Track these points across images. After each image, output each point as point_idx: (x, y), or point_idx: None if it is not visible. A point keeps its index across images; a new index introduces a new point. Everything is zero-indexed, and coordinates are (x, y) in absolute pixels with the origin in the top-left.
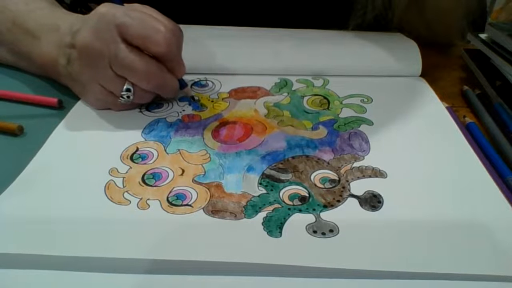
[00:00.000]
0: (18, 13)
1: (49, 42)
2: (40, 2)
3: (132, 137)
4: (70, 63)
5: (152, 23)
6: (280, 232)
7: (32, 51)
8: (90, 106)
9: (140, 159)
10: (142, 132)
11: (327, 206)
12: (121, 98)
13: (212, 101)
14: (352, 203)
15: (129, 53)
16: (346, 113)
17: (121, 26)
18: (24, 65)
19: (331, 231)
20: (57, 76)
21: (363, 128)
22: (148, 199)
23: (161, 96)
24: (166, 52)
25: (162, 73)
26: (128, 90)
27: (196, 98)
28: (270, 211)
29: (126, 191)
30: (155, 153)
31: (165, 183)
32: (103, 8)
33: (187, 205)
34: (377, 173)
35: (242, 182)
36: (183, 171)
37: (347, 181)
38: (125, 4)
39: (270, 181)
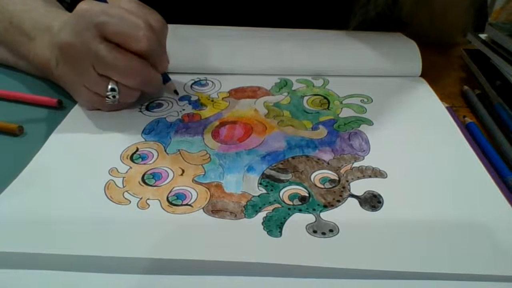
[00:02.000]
0: (15, 13)
1: (43, 42)
2: (37, 2)
3: (132, 137)
4: (58, 64)
5: (131, 20)
6: (280, 232)
7: (29, 51)
8: None
9: (140, 159)
10: (142, 132)
11: (327, 206)
12: (107, 99)
13: (212, 101)
14: (352, 203)
15: (110, 51)
16: (346, 113)
17: (100, 24)
18: (23, 65)
19: (331, 231)
20: (52, 77)
21: (363, 128)
22: (148, 199)
23: (145, 92)
24: (147, 49)
25: (146, 69)
26: (112, 89)
27: (197, 103)
28: (270, 211)
29: (126, 191)
30: (155, 153)
31: (165, 183)
32: (82, 6)
33: (187, 204)
34: (377, 173)
35: (242, 182)
36: (183, 171)
37: (347, 181)
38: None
39: (270, 181)
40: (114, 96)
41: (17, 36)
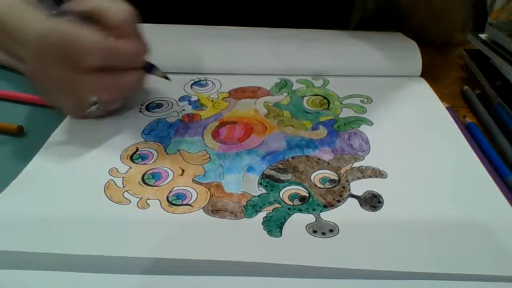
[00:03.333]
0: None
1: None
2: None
3: (132, 137)
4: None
5: (77, 38)
6: (280, 232)
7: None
8: None
9: (140, 159)
10: (142, 132)
11: (327, 206)
12: (91, 112)
13: (212, 101)
14: (352, 203)
15: (72, 74)
16: (346, 113)
17: (48, 55)
18: (23, 68)
19: (331, 231)
20: None
21: (363, 128)
22: (148, 199)
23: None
24: (101, 63)
25: (113, 81)
26: (94, 103)
27: (197, 103)
28: (270, 211)
29: (126, 191)
30: (155, 154)
31: (165, 183)
32: (32, 34)
33: (187, 204)
34: (377, 173)
35: (242, 182)
36: (183, 171)
37: (347, 181)
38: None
39: (270, 181)
40: (98, 108)
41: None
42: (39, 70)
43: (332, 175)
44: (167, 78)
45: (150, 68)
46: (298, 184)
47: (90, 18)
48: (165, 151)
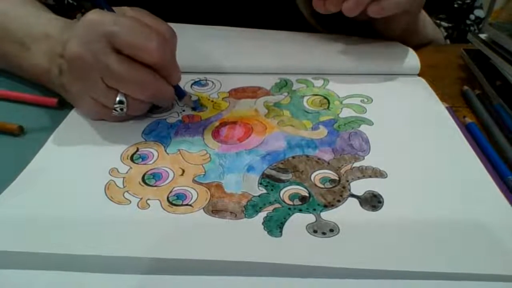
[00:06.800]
0: (4, 23)
1: (40, 51)
2: (25, 7)
3: (132, 138)
4: (62, 73)
5: (143, 31)
6: (281, 232)
7: (23, 62)
8: None
9: (140, 160)
10: (142, 133)
11: (328, 206)
12: (114, 111)
13: (212, 101)
14: (352, 203)
15: (120, 64)
16: (346, 113)
17: (110, 35)
18: (17, 73)
19: (331, 230)
20: (50, 85)
21: (363, 128)
22: (148, 199)
23: (157, 105)
24: (158, 61)
25: (156, 82)
26: (121, 102)
27: (197, 103)
28: (270, 211)
29: (126, 191)
30: (155, 154)
31: (165, 183)
32: (91, 15)
33: (187, 205)
34: (377, 173)
35: (242, 182)
36: (183, 171)
37: (347, 181)
38: (116, 8)
39: (270, 181)
40: (122, 109)
41: (8, 45)
42: (84, 54)
43: (332, 175)
44: (194, 109)
45: (182, 94)
46: (298, 184)
47: None
48: (165, 151)
